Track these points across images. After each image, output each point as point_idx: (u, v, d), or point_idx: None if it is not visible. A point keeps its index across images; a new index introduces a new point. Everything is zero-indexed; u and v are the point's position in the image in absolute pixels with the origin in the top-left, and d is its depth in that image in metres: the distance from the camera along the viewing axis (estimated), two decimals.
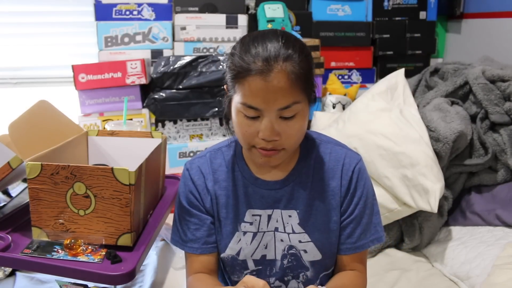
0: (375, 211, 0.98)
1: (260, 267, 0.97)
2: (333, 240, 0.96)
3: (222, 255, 0.98)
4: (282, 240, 0.95)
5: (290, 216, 0.95)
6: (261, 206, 0.95)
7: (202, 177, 0.97)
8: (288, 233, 0.95)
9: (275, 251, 0.96)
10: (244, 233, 0.96)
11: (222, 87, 2.15)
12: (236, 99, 0.84)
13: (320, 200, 0.95)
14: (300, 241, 0.95)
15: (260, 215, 0.95)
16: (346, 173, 0.94)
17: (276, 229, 0.95)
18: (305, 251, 0.95)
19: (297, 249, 0.95)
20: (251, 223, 0.96)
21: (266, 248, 0.96)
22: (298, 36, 0.91)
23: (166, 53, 2.28)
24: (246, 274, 0.98)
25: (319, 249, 0.95)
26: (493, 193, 1.80)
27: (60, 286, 1.06)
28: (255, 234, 0.96)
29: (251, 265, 0.97)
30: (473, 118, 1.87)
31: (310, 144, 0.97)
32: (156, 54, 2.26)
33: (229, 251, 0.97)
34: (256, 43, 0.82)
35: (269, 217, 0.95)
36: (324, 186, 0.95)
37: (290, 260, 0.96)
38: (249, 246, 0.96)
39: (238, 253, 0.97)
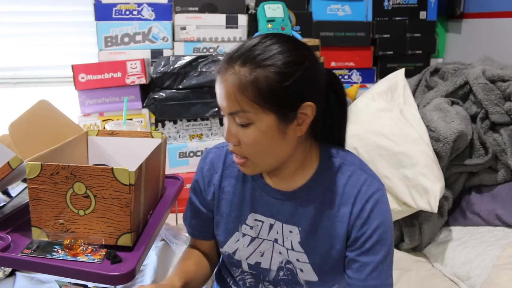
0: (392, 253, 0.89)
1: (254, 271, 0.96)
2: (333, 267, 0.90)
3: (221, 250, 0.99)
4: (280, 253, 0.92)
5: (291, 231, 0.91)
6: (265, 213, 0.92)
7: (212, 169, 0.97)
8: (287, 249, 0.91)
9: (271, 261, 0.94)
10: (243, 235, 0.95)
11: None
12: None
13: (327, 224, 0.88)
14: (298, 260, 0.91)
15: (262, 222, 0.93)
16: (359, 200, 0.86)
17: (276, 240, 0.93)
18: (302, 270, 0.91)
19: (294, 266, 0.92)
20: (251, 227, 0.94)
21: (262, 256, 0.94)
22: (301, 45, 0.82)
23: (166, 53, 2.28)
24: (241, 272, 0.99)
25: (316, 272, 0.90)
26: (494, 193, 1.80)
27: (60, 286, 1.06)
28: (253, 239, 0.94)
29: (245, 267, 0.97)
30: (473, 118, 1.87)
31: (330, 163, 0.90)
32: (156, 54, 2.26)
33: (227, 248, 0.97)
34: (245, 41, 0.82)
35: (271, 226, 0.92)
36: (333, 210, 0.88)
37: (286, 273, 0.93)
38: (245, 248, 0.95)
39: (234, 253, 0.96)
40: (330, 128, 0.92)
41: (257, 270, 0.96)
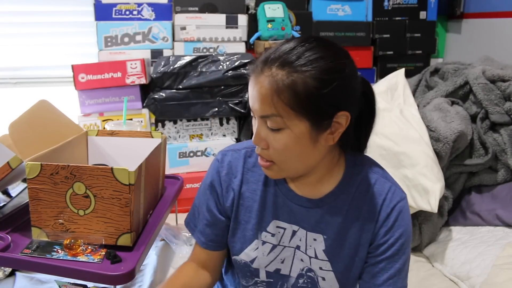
0: (409, 260, 0.89)
1: (272, 280, 0.93)
2: (355, 275, 0.90)
3: (234, 257, 0.94)
4: (302, 260, 0.90)
5: (315, 239, 0.88)
6: (288, 220, 0.89)
7: (231, 173, 0.91)
8: (310, 257, 0.89)
9: (291, 267, 0.91)
10: (263, 242, 0.91)
11: (222, 87, 2.17)
12: None
13: (353, 232, 0.87)
14: (321, 268, 0.89)
15: (284, 229, 0.90)
16: (385, 209, 0.86)
17: (298, 247, 0.90)
18: (323, 279, 0.90)
19: (315, 274, 0.90)
20: (273, 235, 0.90)
21: (282, 262, 0.91)
22: (341, 52, 0.79)
23: (166, 53, 2.28)
24: (255, 282, 0.94)
25: (338, 280, 0.89)
26: (494, 193, 1.80)
27: (59, 286, 1.06)
28: (274, 247, 0.91)
29: (262, 276, 0.93)
30: (473, 118, 1.87)
31: (356, 170, 0.88)
32: (156, 54, 2.26)
33: (244, 256, 0.92)
34: (282, 42, 0.78)
35: (294, 232, 0.90)
36: (359, 218, 0.87)
37: (306, 281, 0.91)
38: (265, 257, 0.91)
39: (252, 261, 0.92)
40: (358, 137, 0.90)
41: (275, 278, 0.93)
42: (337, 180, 0.87)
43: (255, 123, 0.80)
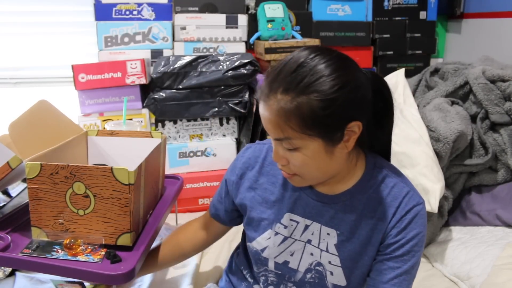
0: (418, 265, 0.90)
1: (280, 271, 0.96)
2: (363, 273, 0.91)
3: (248, 244, 1.00)
4: (312, 254, 0.92)
5: (328, 234, 0.91)
6: (303, 214, 0.93)
7: (248, 163, 0.98)
8: (321, 250, 0.92)
9: (300, 261, 0.93)
10: (276, 233, 0.94)
11: (222, 87, 2.17)
12: None
13: (365, 230, 0.89)
14: (330, 262, 0.91)
15: (298, 222, 0.93)
16: (400, 212, 0.87)
17: (309, 241, 0.92)
18: (331, 273, 0.92)
19: (324, 268, 0.92)
20: (285, 227, 0.93)
21: (291, 255, 0.94)
22: (347, 62, 0.80)
23: (166, 53, 2.28)
24: (265, 269, 0.98)
25: (346, 276, 0.91)
26: (494, 193, 1.80)
27: (55, 285, 1.06)
28: (285, 238, 0.94)
29: (271, 266, 0.96)
30: (473, 118, 1.87)
31: (375, 173, 0.90)
32: (156, 54, 2.26)
33: (255, 244, 0.96)
34: (284, 60, 0.78)
35: (306, 227, 0.92)
36: (373, 218, 0.89)
37: (313, 276, 0.93)
38: (275, 247, 0.94)
39: (262, 250, 0.96)
40: (376, 135, 0.92)
41: (283, 270, 0.95)
42: (356, 180, 0.90)
43: (273, 143, 0.84)
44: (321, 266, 0.92)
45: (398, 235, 0.87)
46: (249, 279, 1.05)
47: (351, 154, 0.88)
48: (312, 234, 0.92)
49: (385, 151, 0.97)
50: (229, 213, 1.06)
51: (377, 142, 0.93)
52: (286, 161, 0.82)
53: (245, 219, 1.00)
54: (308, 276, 0.93)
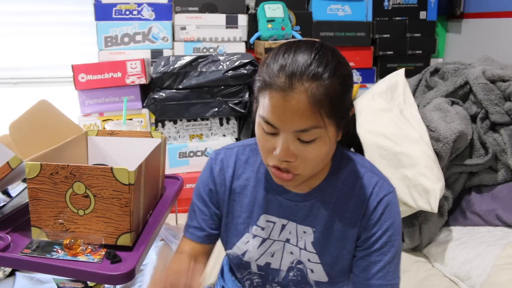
0: (400, 253, 0.90)
1: (263, 273, 0.96)
2: (343, 268, 0.91)
3: (228, 251, 0.98)
4: (291, 253, 0.92)
5: (305, 232, 0.91)
6: (278, 214, 0.92)
7: (222, 169, 0.96)
8: (300, 248, 0.92)
9: (281, 261, 0.93)
10: (254, 236, 0.94)
11: (222, 87, 2.17)
12: (259, 111, 0.80)
13: (339, 225, 0.89)
14: (309, 260, 0.91)
15: (274, 223, 0.93)
16: (371, 203, 0.87)
17: (288, 240, 0.92)
18: (312, 271, 0.92)
19: (305, 266, 0.92)
20: (263, 228, 0.93)
21: (272, 256, 0.94)
22: (339, 53, 0.82)
23: (166, 53, 2.28)
24: (248, 272, 0.98)
25: (326, 273, 0.91)
26: (494, 193, 1.80)
27: (57, 284, 1.06)
28: (264, 240, 0.93)
29: (254, 268, 0.96)
30: (473, 118, 1.87)
31: (343, 164, 0.90)
32: (156, 54, 2.26)
33: (236, 250, 0.96)
34: (287, 54, 0.77)
35: (283, 226, 0.92)
36: (345, 211, 0.88)
37: (296, 274, 0.93)
38: (255, 250, 0.94)
39: (243, 254, 0.95)
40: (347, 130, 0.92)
41: (266, 271, 0.95)
42: (324, 174, 0.90)
43: (268, 138, 0.80)
44: (301, 264, 0.92)
45: (373, 228, 0.87)
46: (239, 284, 1.04)
47: None
48: (290, 233, 0.92)
49: (356, 143, 0.98)
50: (218, 227, 0.99)
51: (346, 133, 0.92)
52: (295, 158, 0.79)
53: (222, 226, 0.98)
54: (291, 274, 0.93)
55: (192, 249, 0.99)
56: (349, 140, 0.97)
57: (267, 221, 0.93)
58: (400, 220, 0.89)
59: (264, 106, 0.77)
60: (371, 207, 0.87)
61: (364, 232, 0.88)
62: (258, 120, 0.81)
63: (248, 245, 0.94)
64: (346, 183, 0.89)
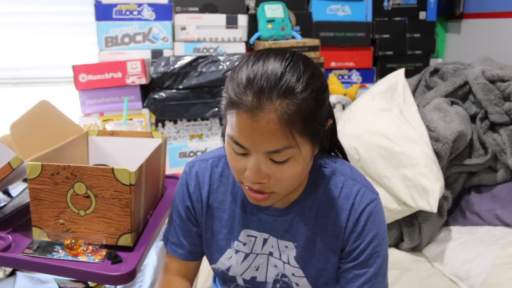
0: (386, 262, 0.86)
1: (250, 286, 0.94)
2: (329, 280, 0.88)
3: (212, 266, 0.95)
4: (276, 266, 0.90)
5: (286, 247, 0.88)
6: (258, 229, 0.89)
7: (198, 184, 0.92)
8: (284, 262, 0.89)
9: (267, 274, 0.91)
10: (236, 251, 0.91)
11: (222, 87, 2.17)
12: (227, 130, 0.74)
13: (322, 238, 0.85)
14: (293, 274, 0.89)
15: (255, 237, 0.89)
16: (353, 214, 0.82)
17: (271, 254, 0.90)
18: (297, 284, 0.89)
19: (289, 280, 0.90)
20: (244, 244, 0.90)
21: (257, 270, 0.91)
22: (313, 62, 0.76)
23: (166, 53, 2.28)
24: (235, 285, 0.96)
25: (312, 285, 0.89)
26: (493, 193, 1.80)
27: (58, 284, 1.06)
28: (247, 255, 0.91)
29: (240, 282, 0.94)
30: (473, 118, 1.87)
31: (321, 174, 0.85)
32: (156, 54, 2.27)
33: (220, 265, 0.94)
34: (256, 64, 0.71)
35: (265, 240, 0.89)
36: (327, 224, 0.85)
37: (282, 286, 0.91)
38: (239, 265, 0.91)
39: (228, 269, 0.93)
40: (331, 138, 0.89)
41: (253, 285, 0.93)
42: (303, 187, 0.85)
43: (239, 158, 0.74)
44: (286, 277, 0.90)
45: (357, 241, 0.83)
46: None
47: None
48: (272, 246, 0.89)
49: (339, 148, 0.93)
50: (199, 243, 0.96)
51: (326, 141, 0.87)
52: (268, 179, 0.74)
53: (204, 242, 0.95)
54: (278, 286, 0.91)
55: (178, 268, 0.98)
56: (329, 146, 0.91)
57: (248, 235, 0.89)
58: (385, 228, 0.85)
59: (232, 125, 0.71)
60: (353, 219, 0.83)
61: (347, 245, 0.84)
62: (227, 139, 0.75)
63: (231, 261, 0.92)
64: (326, 194, 0.85)
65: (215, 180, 0.91)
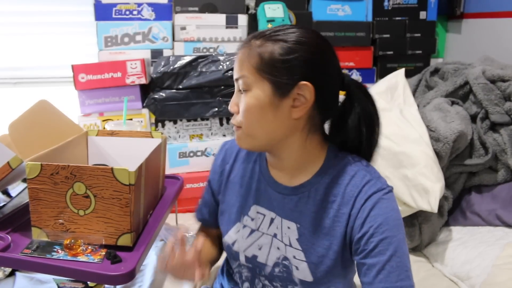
0: (403, 252, 0.81)
1: (250, 265, 0.96)
2: (329, 268, 0.87)
3: (223, 239, 1.01)
4: (278, 248, 0.92)
5: (289, 227, 0.90)
6: (267, 206, 0.93)
7: (224, 159, 1.01)
8: (286, 244, 0.90)
9: (268, 256, 0.93)
10: (244, 226, 0.96)
11: (222, 87, 2.17)
12: None
13: (326, 223, 0.86)
14: (294, 257, 0.89)
15: (264, 215, 0.93)
16: (359, 200, 0.83)
17: (275, 235, 0.92)
18: (297, 268, 0.90)
19: (290, 263, 0.90)
20: (252, 219, 0.95)
21: (260, 249, 0.93)
22: (322, 38, 0.86)
23: (166, 53, 2.28)
24: (238, 264, 0.99)
25: (312, 272, 0.88)
26: (494, 193, 1.80)
27: (57, 284, 1.06)
28: (252, 231, 0.94)
29: (242, 259, 0.96)
30: (473, 118, 1.87)
31: (336, 162, 0.88)
32: (156, 54, 2.26)
33: (227, 238, 0.98)
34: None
35: (272, 220, 0.92)
36: (333, 209, 0.86)
37: (281, 270, 0.92)
38: (244, 240, 0.95)
39: (233, 244, 0.97)
40: (360, 140, 0.91)
41: (253, 264, 0.95)
42: (315, 170, 0.89)
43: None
44: (287, 260, 0.90)
45: (364, 227, 0.81)
46: (233, 278, 1.06)
47: (313, 140, 0.87)
48: (277, 228, 0.92)
49: (369, 153, 0.95)
50: (214, 214, 1.06)
51: (359, 147, 0.91)
52: (237, 109, 0.85)
53: (219, 213, 1.03)
54: (277, 270, 0.92)
55: (201, 228, 1.11)
56: (364, 148, 0.92)
57: (258, 212, 0.95)
58: (396, 216, 0.83)
59: None
60: (358, 205, 0.83)
61: (354, 232, 0.83)
62: None
63: (238, 235, 0.96)
64: (336, 180, 0.87)
65: (240, 157, 1.00)
